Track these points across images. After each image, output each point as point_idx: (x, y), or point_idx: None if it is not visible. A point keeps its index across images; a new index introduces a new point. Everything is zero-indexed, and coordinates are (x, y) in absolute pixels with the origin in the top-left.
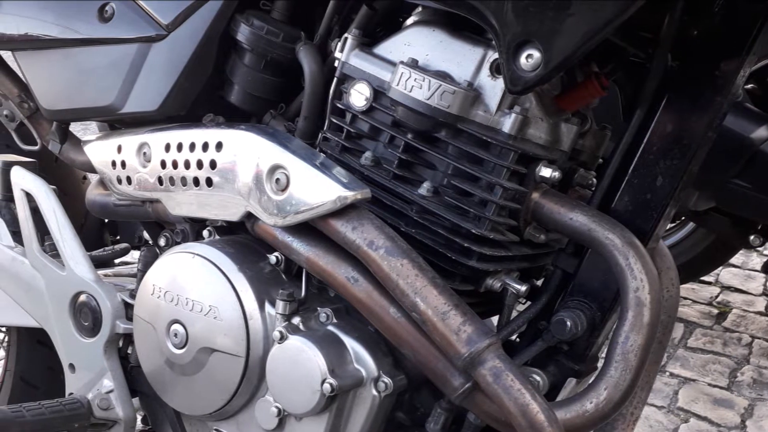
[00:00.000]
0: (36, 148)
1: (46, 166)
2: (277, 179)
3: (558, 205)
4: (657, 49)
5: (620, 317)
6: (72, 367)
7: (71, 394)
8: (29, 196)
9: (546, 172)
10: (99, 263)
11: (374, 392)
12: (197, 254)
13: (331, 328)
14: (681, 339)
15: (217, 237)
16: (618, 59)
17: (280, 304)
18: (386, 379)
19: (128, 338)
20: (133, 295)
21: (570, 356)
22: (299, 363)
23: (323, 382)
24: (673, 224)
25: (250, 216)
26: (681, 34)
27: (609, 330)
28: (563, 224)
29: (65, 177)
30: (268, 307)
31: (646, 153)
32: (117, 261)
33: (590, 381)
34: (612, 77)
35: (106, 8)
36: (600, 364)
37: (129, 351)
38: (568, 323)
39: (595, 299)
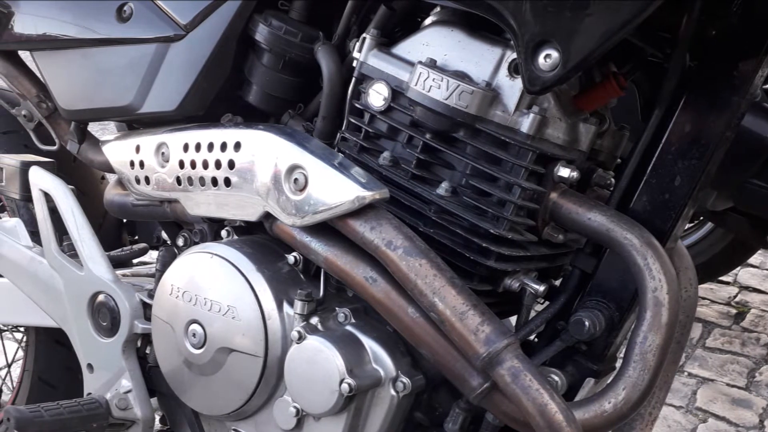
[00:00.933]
0: (54, 148)
1: (65, 166)
2: (296, 179)
3: (576, 205)
4: (675, 49)
5: (638, 317)
6: (90, 367)
7: (89, 394)
8: (47, 196)
9: (564, 172)
10: (117, 263)
11: (392, 392)
12: (215, 254)
13: (349, 328)
14: (699, 339)
15: (236, 237)
16: (636, 59)
17: (298, 304)
18: (404, 379)
19: (146, 338)
20: (151, 295)
21: (588, 356)
22: (317, 363)
23: (341, 382)
24: (691, 224)
25: (268, 216)
26: (699, 34)
27: (627, 330)
28: (581, 224)
29: (83, 177)
30: (286, 307)
31: (664, 153)
32: (135, 261)
33: (608, 381)
34: (630, 77)
35: (125, 8)
36: (618, 364)
37: (147, 351)
38: (587, 323)
39: (614, 299)
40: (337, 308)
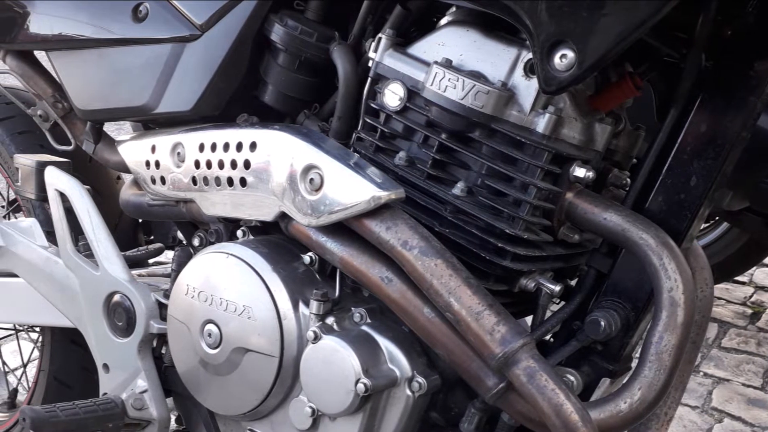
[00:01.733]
0: (70, 148)
1: (80, 166)
2: (311, 179)
3: (592, 205)
4: (691, 49)
5: (654, 317)
6: (106, 367)
7: (105, 394)
8: (63, 196)
9: (580, 172)
10: (133, 263)
11: (408, 392)
12: (231, 254)
13: (365, 328)
14: (715, 339)
15: (251, 237)
16: (652, 59)
17: (314, 304)
18: (420, 379)
19: (162, 338)
20: (167, 295)
21: (604, 356)
22: (333, 363)
23: (357, 382)
24: (707, 224)
25: (284, 216)
26: (715, 34)
27: (643, 330)
28: (597, 224)
29: (99, 177)
30: (302, 307)
31: (680, 153)
32: (151, 261)
33: (624, 381)
34: (646, 77)
35: (140, 8)
36: (634, 364)
37: (163, 351)
38: (602, 323)
39: (629, 299)
40: (352, 308)
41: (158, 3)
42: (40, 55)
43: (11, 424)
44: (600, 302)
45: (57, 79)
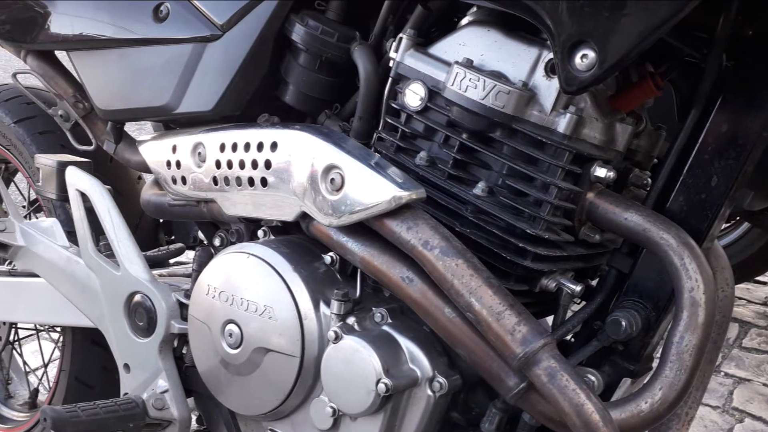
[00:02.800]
0: (91, 148)
1: (101, 166)
2: (332, 179)
3: (613, 205)
4: (712, 49)
5: (675, 317)
6: (127, 367)
7: (126, 394)
8: (84, 196)
9: (601, 172)
10: (154, 263)
11: (429, 392)
12: (252, 254)
13: (386, 328)
14: (736, 339)
15: (272, 237)
16: (673, 59)
17: (335, 304)
18: (441, 379)
19: (183, 338)
20: (187, 295)
21: (625, 356)
22: (354, 363)
23: (378, 382)
24: (727, 224)
25: (305, 216)
26: (736, 34)
27: (664, 330)
28: (618, 224)
29: (120, 177)
30: (323, 307)
31: (701, 153)
32: (172, 261)
33: (645, 381)
34: (667, 77)
35: (161, 8)
36: (655, 365)
37: (184, 351)
38: (623, 323)
39: (650, 299)
40: (373, 308)
41: (179, 3)
42: (61, 55)
43: (32, 424)
44: (621, 302)
45: (78, 79)
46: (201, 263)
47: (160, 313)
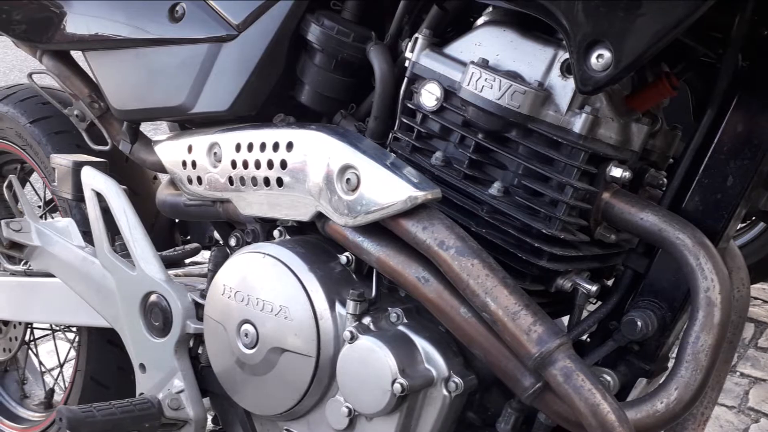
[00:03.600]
0: (107, 148)
1: (116, 166)
2: (348, 179)
3: (628, 205)
4: (727, 49)
5: (691, 317)
6: (143, 367)
7: (141, 394)
8: (100, 196)
9: (616, 172)
10: (169, 263)
11: (445, 392)
12: (268, 254)
13: (401, 328)
14: (751, 339)
15: (288, 237)
16: (688, 59)
17: (350, 304)
18: (456, 379)
19: (198, 338)
20: (203, 295)
21: (640, 356)
22: (370, 363)
23: (394, 382)
24: (743, 224)
25: (320, 216)
26: (751, 34)
27: (679, 330)
28: (634, 224)
29: (135, 177)
30: (338, 307)
31: (716, 153)
32: (187, 261)
33: (660, 381)
34: (682, 77)
35: (177, 8)
36: (670, 364)
37: (199, 351)
38: (639, 323)
39: (666, 299)
40: (389, 308)
41: (195, 3)
42: (77, 56)
43: (48, 424)
44: (637, 302)
45: (93, 79)
46: (217, 263)
47: (176, 313)
